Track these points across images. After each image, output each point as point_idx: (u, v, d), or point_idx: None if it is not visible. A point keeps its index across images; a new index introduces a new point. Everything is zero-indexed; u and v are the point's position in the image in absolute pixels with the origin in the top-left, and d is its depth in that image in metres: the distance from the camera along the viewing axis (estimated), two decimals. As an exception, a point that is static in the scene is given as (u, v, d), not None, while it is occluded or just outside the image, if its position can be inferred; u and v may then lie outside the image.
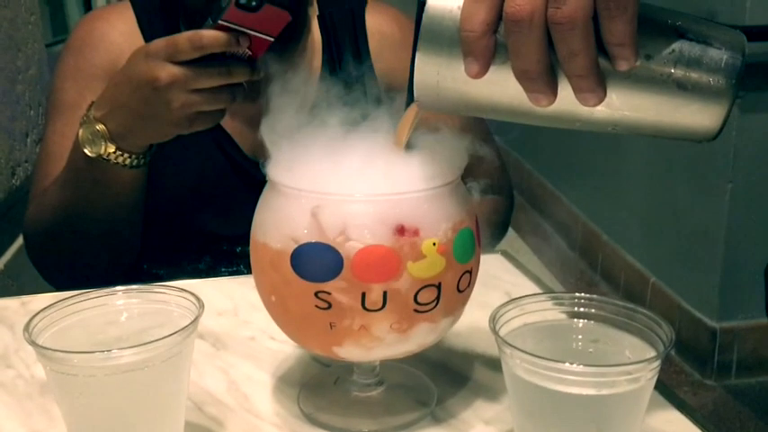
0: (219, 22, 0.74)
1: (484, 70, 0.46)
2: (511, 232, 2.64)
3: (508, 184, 1.12)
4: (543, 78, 0.45)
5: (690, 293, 2.20)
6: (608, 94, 0.46)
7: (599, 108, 0.46)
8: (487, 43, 0.45)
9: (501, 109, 0.49)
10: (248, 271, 0.84)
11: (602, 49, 0.44)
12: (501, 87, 0.47)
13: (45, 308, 0.52)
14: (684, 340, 2.18)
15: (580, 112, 0.47)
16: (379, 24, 1.03)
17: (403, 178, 0.53)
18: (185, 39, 0.74)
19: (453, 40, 0.46)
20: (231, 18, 0.74)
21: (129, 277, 0.99)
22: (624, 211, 2.53)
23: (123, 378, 0.48)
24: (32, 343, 0.48)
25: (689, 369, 2.16)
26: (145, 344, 0.48)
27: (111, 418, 0.50)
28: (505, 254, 0.92)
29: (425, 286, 0.52)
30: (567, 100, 0.46)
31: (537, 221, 3.13)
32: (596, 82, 0.45)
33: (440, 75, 0.47)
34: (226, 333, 0.73)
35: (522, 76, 0.45)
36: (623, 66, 0.44)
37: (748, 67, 0.46)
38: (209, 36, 0.74)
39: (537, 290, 0.83)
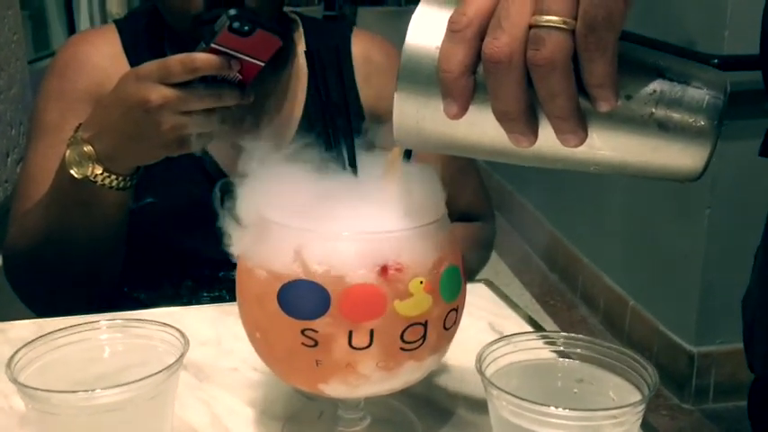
0: (212, 45, 0.74)
1: (462, 111, 0.45)
2: (491, 254, 2.64)
3: (490, 209, 1.13)
4: (523, 119, 0.44)
5: (668, 318, 2.21)
6: (589, 134, 0.45)
7: (580, 148, 0.46)
8: (465, 84, 0.44)
9: (482, 149, 0.48)
10: (230, 296, 0.83)
11: (582, 89, 0.44)
12: (481, 128, 0.46)
13: (28, 343, 0.51)
14: (663, 364, 2.19)
15: (561, 152, 0.46)
16: (365, 52, 1.04)
17: (389, 216, 0.53)
18: (177, 61, 0.75)
19: (432, 80, 0.45)
20: (224, 42, 0.74)
21: (110, 301, 0.99)
22: (605, 235, 2.55)
23: (106, 417, 0.48)
24: (14, 381, 0.47)
25: (667, 393, 2.17)
26: (129, 383, 0.47)
27: (94, 456, 0.49)
28: (488, 283, 0.92)
29: (412, 324, 0.52)
30: (547, 140, 0.46)
31: (518, 243, 3.14)
32: (577, 123, 0.44)
33: (419, 114, 0.47)
34: (208, 364, 0.73)
35: (501, 118, 0.45)
36: (604, 107, 0.44)
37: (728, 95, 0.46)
38: (202, 59, 0.75)
39: (520, 320, 0.84)
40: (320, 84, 0.90)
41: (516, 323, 0.82)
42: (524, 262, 3.05)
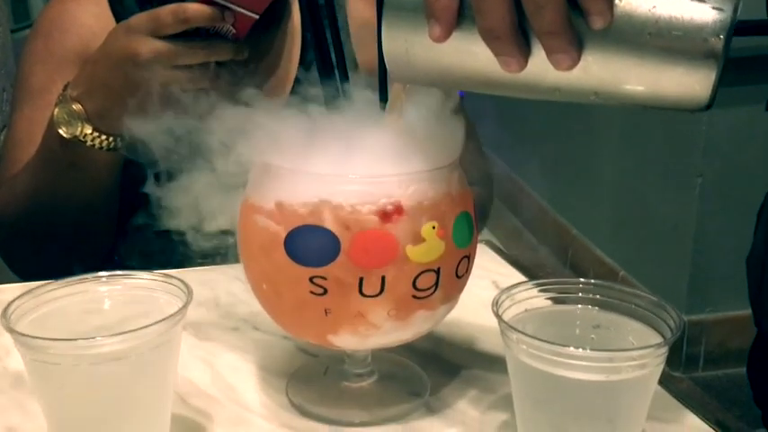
0: None
1: (446, 33, 0.43)
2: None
3: (488, 174, 1.11)
4: (510, 38, 0.42)
5: (658, 287, 2.21)
6: (584, 57, 0.42)
7: (576, 74, 0.43)
8: (449, 2, 0.42)
9: (474, 78, 0.46)
10: (222, 262, 0.81)
11: (575, 6, 0.41)
12: (470, 53, 0.44)
13: (23, 293, 0.49)
14: (653, 333, 2.20)
15: (556, 78, 0.44)
16: (359, 10, 1.01)
17: (402, 159, 0.51)
18: (168, 11, 0.72)
19: (418, 4, 0.43)
20: None
21: (100, 269, 0.96)
22: (594, 206, 2.55)
23: (108, 367, 0.45)
24: (11, 330, 0.45)
25: (658, 362, 2.18)
26: (132, 331, 0.45)
27: (96, 410, 0.47)
28: (489, 243, 0.91)
29: (424, 271, 0.50)
30: (540, 66, 0.43)
31: (506, 215, 3.13)
32: (568, 41, 0.41)
33: (408, 42, 0.45)
34: (208, 323, 0.71)
35: (487, 36, 0.42)
36: (598, 22, 0.41)
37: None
38: (194, 9, 0.72)
39: (523, 278, 0.82)
40: (317, 32, 0.87)
41: (520, 281, 0.81)
42: (513, 234, 3.04)
